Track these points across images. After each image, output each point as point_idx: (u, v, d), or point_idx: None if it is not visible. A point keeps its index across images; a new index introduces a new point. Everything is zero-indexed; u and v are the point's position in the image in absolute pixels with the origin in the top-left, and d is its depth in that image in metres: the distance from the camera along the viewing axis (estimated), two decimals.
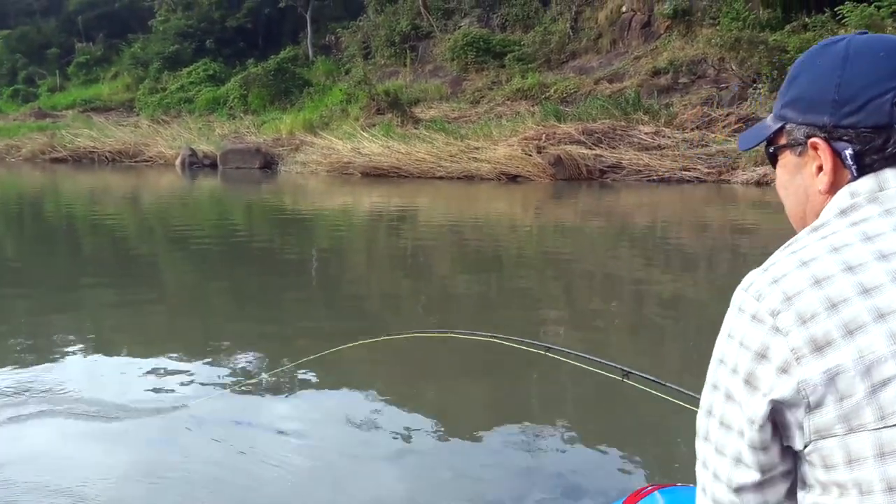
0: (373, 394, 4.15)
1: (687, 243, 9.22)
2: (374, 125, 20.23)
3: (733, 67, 16.59)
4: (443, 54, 24.00)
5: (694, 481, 1.22)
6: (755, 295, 0.86)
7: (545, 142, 15.90)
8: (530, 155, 15.66)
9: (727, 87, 16.24)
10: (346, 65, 27.30)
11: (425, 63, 25.05)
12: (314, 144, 20.45)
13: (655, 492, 1.47)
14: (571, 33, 21.76)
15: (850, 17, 14.90)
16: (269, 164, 21.24)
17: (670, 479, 1.67)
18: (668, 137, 15.02)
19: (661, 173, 14.25)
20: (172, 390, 4.20)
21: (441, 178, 16.98)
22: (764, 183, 13.05)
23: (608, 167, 14.97)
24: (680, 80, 17.35)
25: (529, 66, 21.53)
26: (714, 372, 0.91)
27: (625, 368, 2.29)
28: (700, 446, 0.93)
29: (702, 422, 0.93)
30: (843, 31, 15.05)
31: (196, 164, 22.46)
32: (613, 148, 15.26)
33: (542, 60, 21.61)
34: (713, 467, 0.91)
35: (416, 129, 19.17)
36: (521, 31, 23.36)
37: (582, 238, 9.99)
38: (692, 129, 15.07)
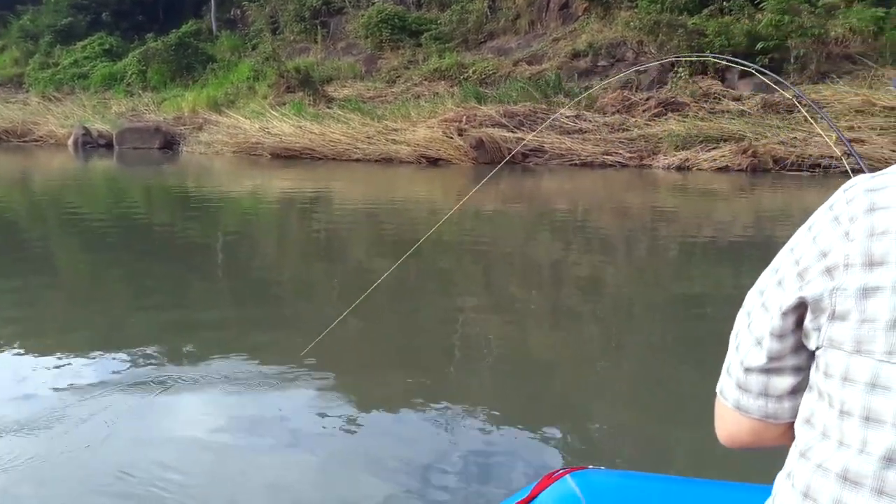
0: (278, 385, 3.88)
1: (607, 228, 9.21)
2: (283, 104, 19.53)
3: (652, 51, 16.60)
4: (356, 31, 23.34)
5: (606, 465, 1.37)
6: (848, 198, 0.85)
7: (466, 124, 15.55)
8: (451, 137, 15.32)
9: (646, 71, 16.23)
10: (252, 40, 26.27)
11: (337, 40, 24.31)
12: (219, 123, 19.57)
13: (567, 475, 1.45)
14: (489, 13, 21.47)
15: (768, 1, 15.08)
16: (169, 144, 20.18)
17: (583, 461, 1.69)
18: (590, 121, 14.89)
19: (583, 157, 14.11)
20: (61, 387, 3.79)
21: (357, 160, 16.48)
22: (684, 168, 13.07)
23: (530, 150, 14.73)
24: (599, 63, 17.29)
25: (447, 45, 21.16)
26: (780, 256, 0.91)
27: None
28: (738, 319, 0.95)
29: (750, 297, 0.94)
30: (759, 15, 15.25)
31: (90, 143, 21.16)
32: (535, 130, 15.02)
33: (460, 40, 21.25)
34: (739, 341, 0.93)
35: (329, 108, 18.57)
36: (438, 10, 22.92)
37: (503, 222, 9.86)
38: (613, 113, 14.99)
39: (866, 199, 0.83)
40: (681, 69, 15.15)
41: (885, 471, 0.78)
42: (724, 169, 12.72)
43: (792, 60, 14.77)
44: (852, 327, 0.80)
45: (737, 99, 14.42)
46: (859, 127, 12.54)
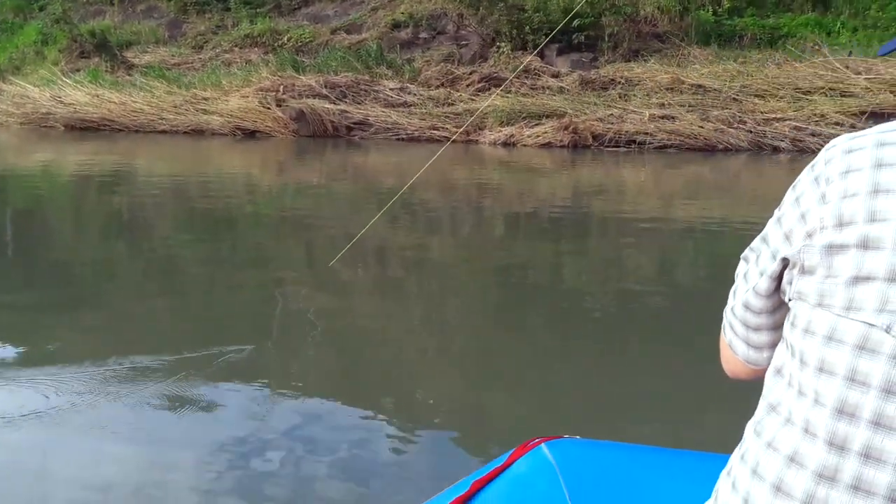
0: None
1: (432, 203, 9.24)
2: (78, 70, 17.92)
3: (473, 25, 16.69)
4: None
5: (580, 434, 1.48)
6: (826, 158, 0.89)
7: (284, 94, 14.93)
8: (269, 108, 14.66)
9: (467, 45, 16.30)
10: (38, 1, 23.88)
11: (136, 2, 22.58)
12: (3, 92, 17.66)
13: (542, 444, 1.48)
14: None
15: None
16: None
17: (556, 431, 1.61)
18: (414, 94, 14.76)
19: (409, 132, 13.94)
20: None
21: (164, 132, 15.49)
22: (510, 144, 13.25)
23: (355, 124, 14.40)
24: (420, 35, 17.17)
25: (258, 10, 20.23)
26: (774, 214, 0.96)
27: None
28: (739, 265, 1.02)
29: (745, 255, 1.01)
30: None
31: None
32: (359, 103, 14.70)
33: (273, 5, 20.39)
34: (736, 285, 1.01)
35: (130, 76, 17.21)
36: None
37: (326, 198, 9.66)
38: (437, 87, 14.93)
39: (844, 160, 0.86)
40: (502, 44, 15.33)
41: (836, 422, 0.80)
42: (547, 145, 13.03)
43: (606, 38, 15.34)
44: (817, 281, 0.84)
45: (555, 76, 14.80)
46: (670, 104, 13.24)
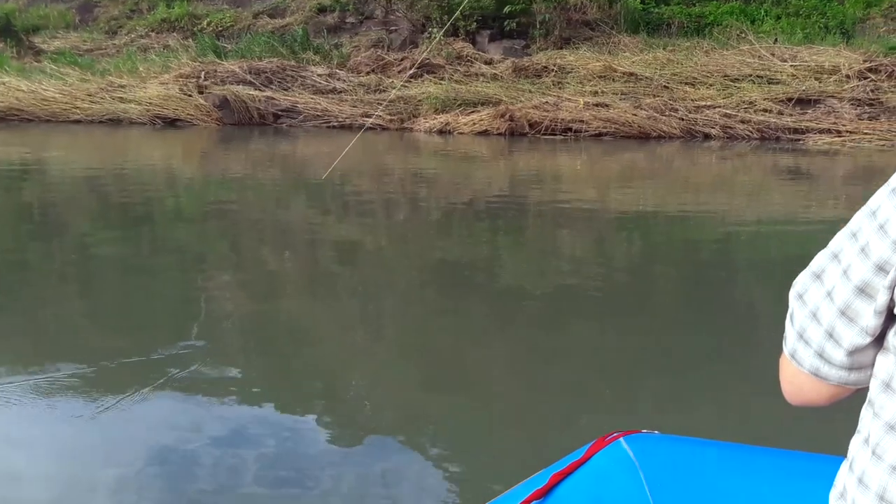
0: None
1: (366, 192, 9.22)
2: None
3: (400, 10, 16.48)
4: None
5: (659, 429, 1.50)
6: None
7: (206, 80, 14.42)
8: (190, 95, 14.14)
9: (397, 30, 16.08)
10: None
11: None
12: None
13: (620, 438, 1.48)
14: None
15: None
16: None
17: (634, 425, 1.59)
18: (344, 81, 14.48)
19: (341, 119, 13.66)
20: None
21: (79, 121, 14.78)
22: (446, 131, 13.12)
23: (282, 111, 14.03)
24: (347, 20, 16.87)
25: None
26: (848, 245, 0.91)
27: None
28: (809, 286, 0.95)
29: (827, 274, 0.94)
30: None
31: None
32: (286, 90, 14.32)
33: None
34: (817, 309, 0.93)
35: (38, 62, 16.36)
36: None
37: (252, 188, 9.44)
38: (367, 73, 14.68)
39: None
40: (434, 30, 15.16)
41: None
42: (484, 133, 12.96)
43: (537, 25, 15.34)
44: None
45: (488, 62, 14.73)
46: (604, 92, 13.32)
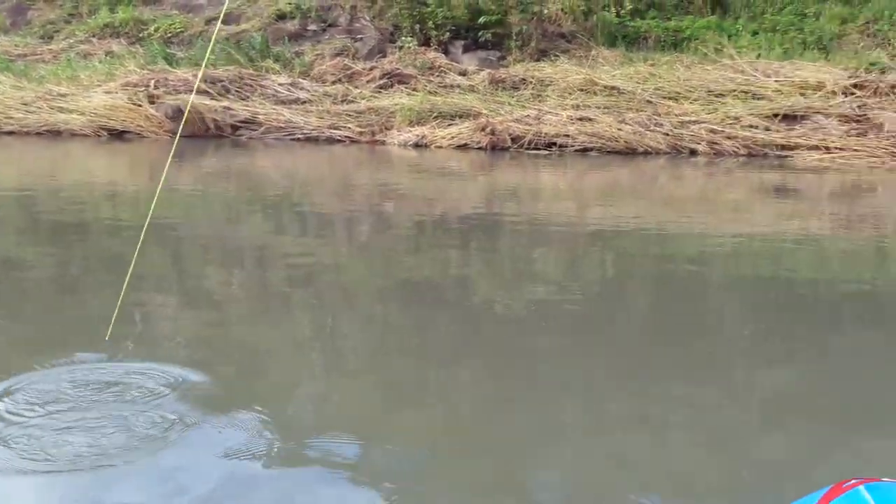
0: None
1: (329, 209, 9.06)
2: None
3: (366, 18, 16.20)
4: None
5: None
6: None
7: (157, 89, 13.90)
8: (140, 105, 13.61)
9: (363, 39, 15.79)
10: None
11: None
12: None
13: (860, 486, 1.46)
14: None
15: None
16: None
17: (845, 470, 1.62)
18: (308, 90, 14.10)
19: (306, 131, 13.28)
20: None
21: (12, 132, 14.18)
22: (422, 145, 12.84)
23: (241, 122, 13.59)
24: (309, 28, 16.52)
25: None
26: None
27: None
28: None
29: None
30: None
31: None
32: (245, 100, 13.87)
33: None
34: None
35: None
36: None
37: (205, 204, 9.31)
38: (333, 83, 14.34)
39: None
40: (407, 39, 14.90)
41: None
42: (463, 147, 12.72)
43: (514, 36, 15.21)
44: None
45: (463, 73, 14.53)
46: (586, 105, 13.20)
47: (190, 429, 3.31)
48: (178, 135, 5.81)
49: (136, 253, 3.95)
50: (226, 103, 13.90)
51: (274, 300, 5.55)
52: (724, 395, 3.88)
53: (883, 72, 14.33)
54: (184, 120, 11.21)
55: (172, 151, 4.67)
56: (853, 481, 1.48)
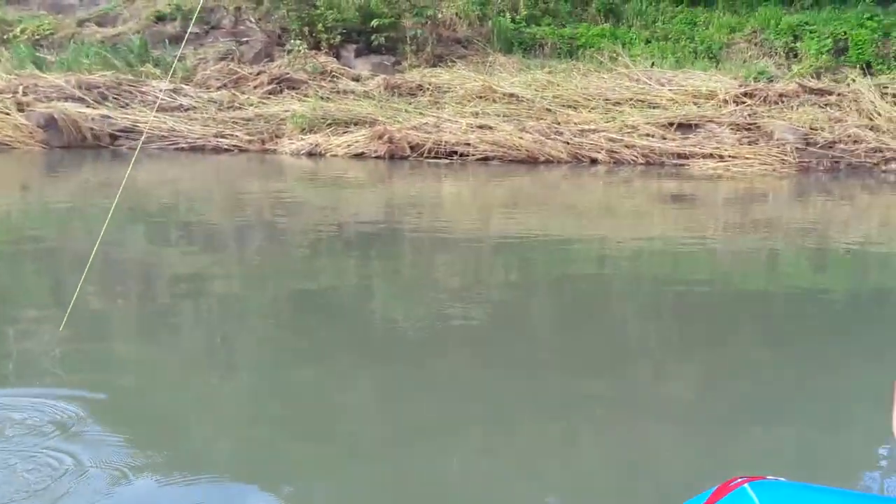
0: None
1: (216, 222, 8.75)
2: None
3: (251, 20, 15.58)
4: None
5: (784, 475, 1.65)
6: None
7: (26, 96, 12.95)
8: (8, 114, 12.68)
9: (249, 42, 15.16)
10: None
11: None
12: None
13: (745, 484, 1.52)
14: None
15: None
16: None
17: (756, 471, 1.61)
18: (192, 97, 13.39)
19: (190, 140, 12.59)
20: None
21: None
22: (316, 153, 12.37)
23: (121, 131, 12.77)
24: (191, 30, 15.70)
25: None
26: None
27: None
28: None
29: None
30: None
31: None
32: (124, 107, 13.06)
33: None
34: None
35: None
36: None
37: (83, 219, 8.78)
38: (219, 88, 13.69)
39: None
40: (297, 42, 14.36)
41: None
42: (360, 155, 12.31)
43: (408, 41, 14.90)
44: None
45: (356, 79, 14.11)
46: (486, 113, 13.01)
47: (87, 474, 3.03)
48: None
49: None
50: (103, 111, 13.05)
51: (158, 318, 5.30)
52: (621, 396, 3.96)
53: (771, 80, 14.76)
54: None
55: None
56: (738, 480, 1.55)
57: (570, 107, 13.65)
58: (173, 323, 5.21)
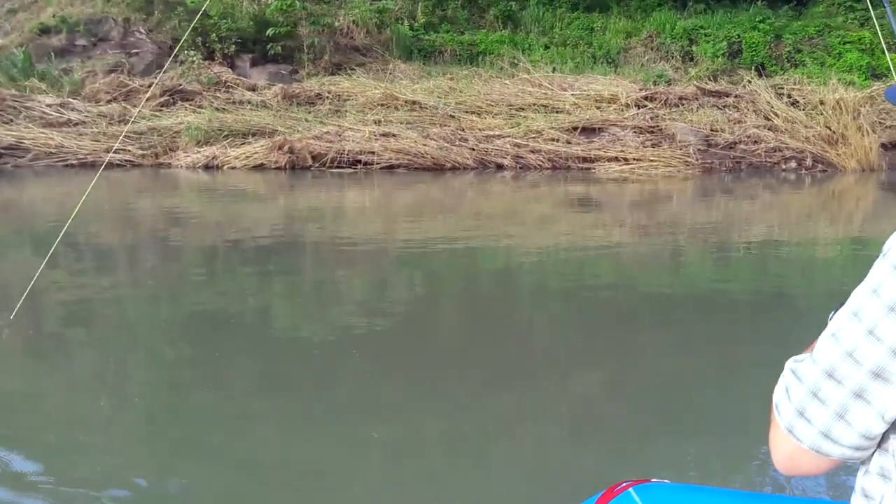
0: None
1: (107, 240, 8.41)
2: None
3: (141, 31, 15.13)
4: None
5: (668, 478, 1.64)
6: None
7: None
8: None
9: (139, 53, 14.71)
10: None
11: None
12: None
13: (630, 488, 1.55)
14: None
15: None
16: None
17: (643, 474, 1.63)
18: (80, 111, 12.89)
19: (80, 156, 12.09)
20: None
21: None
22: (213, 166, 12.02)
23: (5, 149, 12.19)
24: (78, 42, 15.20)
25: None
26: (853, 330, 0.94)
27: None
28: (812, 372, 0.98)
29: (835, 356, 0.96)
30: None
31: None
32: (8, 123, 12.47)
33: None
34: (824, 393, 0.96)
35: None
36: None
37: None
38: (108, 102, 13.21)
39: None
40: (191, 53, 13.99)
41: None
42: (260, 167, 12.02)
43: (305, 49, 14.72)
44: None
45: (252, 89, 13.83)
46: (388, 121, 12.93)
47: None
48: None
49: None
50: None
51: (46, 344, 5.01)
52: (526, 404, 3.92)
53: (669, 84, 15.15)
54: None
55: None
56: (624, 484, 1.55)
57: (473, 113, 13.71)
58: (63, 350, 4.94)
